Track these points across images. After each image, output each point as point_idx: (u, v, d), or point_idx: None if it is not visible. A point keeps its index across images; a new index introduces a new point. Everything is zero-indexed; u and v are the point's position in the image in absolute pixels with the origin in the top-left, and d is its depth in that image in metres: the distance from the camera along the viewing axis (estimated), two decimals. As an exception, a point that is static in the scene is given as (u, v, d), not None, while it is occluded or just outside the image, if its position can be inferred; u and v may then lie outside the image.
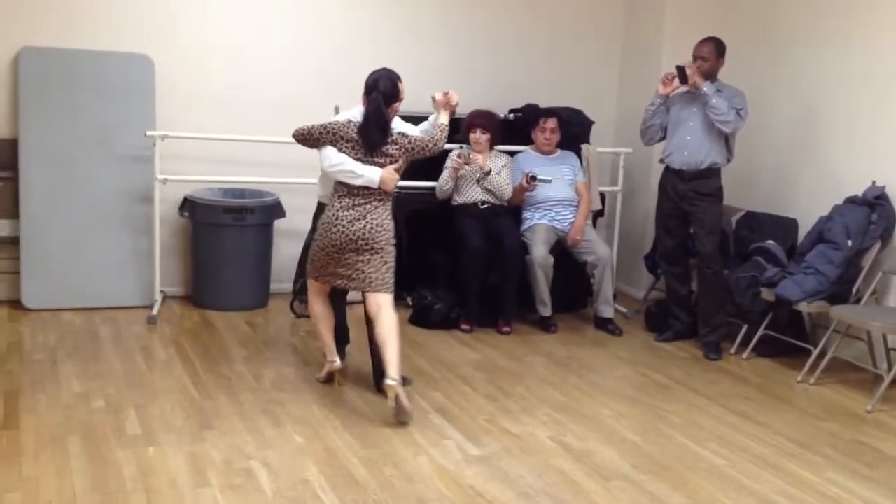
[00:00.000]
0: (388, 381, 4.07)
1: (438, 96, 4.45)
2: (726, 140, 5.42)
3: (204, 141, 5.78)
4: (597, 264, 5.79)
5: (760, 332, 5.34)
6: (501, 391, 4.65)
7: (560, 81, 6.77)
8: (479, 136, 5.75)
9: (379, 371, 4.33)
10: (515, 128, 6.17)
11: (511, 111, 6.39)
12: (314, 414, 4.20)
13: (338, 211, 4.22)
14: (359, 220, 4.19)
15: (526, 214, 5.88)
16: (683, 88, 5.42)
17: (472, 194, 5.81)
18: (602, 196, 6.41)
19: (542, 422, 4.27)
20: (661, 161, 5.61)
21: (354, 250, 4.22)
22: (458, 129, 5.70)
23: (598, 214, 6.39)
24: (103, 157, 5.65)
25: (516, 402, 4.51)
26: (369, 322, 4.38)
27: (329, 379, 4.56)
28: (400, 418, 4.10)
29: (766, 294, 5.20)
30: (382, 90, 4.22)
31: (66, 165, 5.58)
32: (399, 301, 6.00)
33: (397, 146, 4.27)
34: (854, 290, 5.11)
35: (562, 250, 5.85)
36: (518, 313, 5.87)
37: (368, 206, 4.23)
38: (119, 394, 4.29)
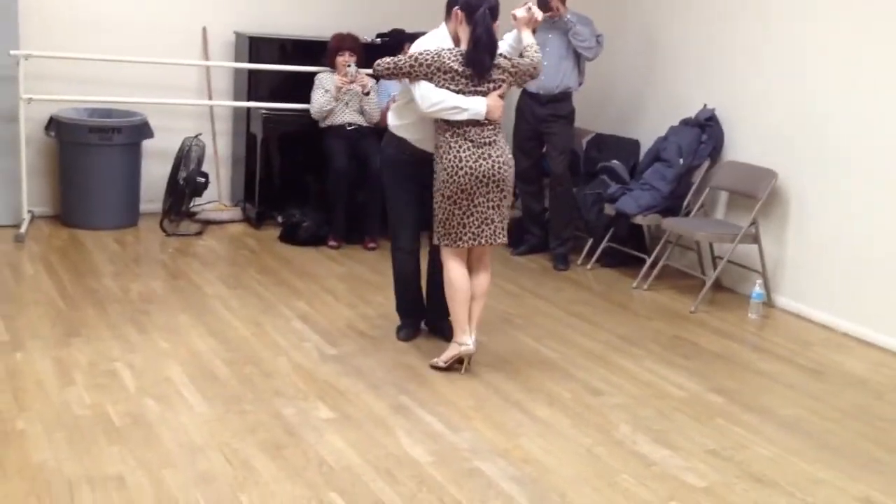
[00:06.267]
0: (468, 346, 3.97)
1: (521, 13, 4.02)
2: (578, 65, 5.78)
3: (70, 60, 5.79)
4: (458, 183, 6.11)
5: (604, 244, 5.79)
6: (362, 300, 4.96)
7: (428, 6, 6.92)
8: (349, 59, 5.91)
9: (435, 312, 4.36)
10: (382, 52, 6.34)
11: (378, 35, 6.58)
12: (181, 323, 4.42)
13: (458, 152, 3.88)
14: (484, 158, 3.89)
15: (392, 136, 6.13)
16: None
17: (340, 116, 6.01)
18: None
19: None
20: (518, 85, 5.93)
21: (484, 193, 3.93)
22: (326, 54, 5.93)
23: (461, 137, 6.68)
24: (-35, 76, 5.61)
25: (375, 309, 4.83)
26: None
27: (450, 365, 4.05)
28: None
29: (609, 209, 5.64)
30: (492, 5, 3.84)
31: (-76, 84, 5.53)
32: (269, 219, 6.27)
33: (500, 70, 3.94)
34: (685, 204, 5.59)
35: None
36: (384, 230, 6.12)
37: (489, 142, 3.92)
38: (-14, 305, 4.42)
